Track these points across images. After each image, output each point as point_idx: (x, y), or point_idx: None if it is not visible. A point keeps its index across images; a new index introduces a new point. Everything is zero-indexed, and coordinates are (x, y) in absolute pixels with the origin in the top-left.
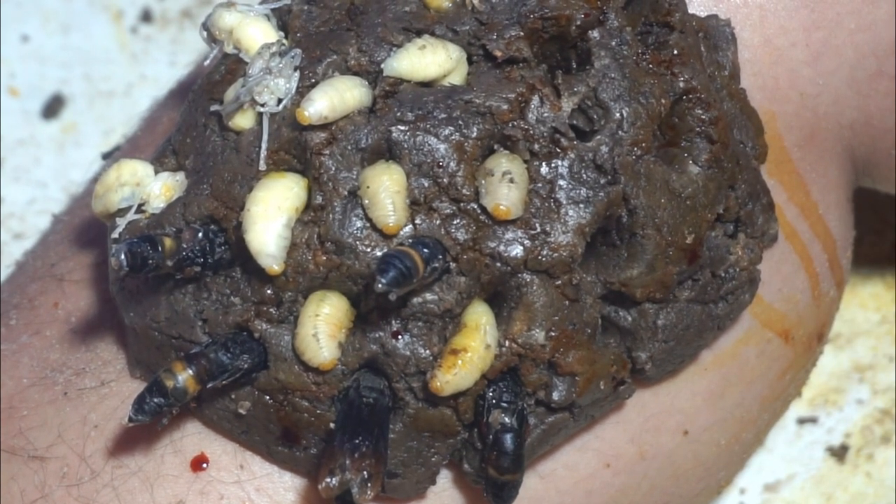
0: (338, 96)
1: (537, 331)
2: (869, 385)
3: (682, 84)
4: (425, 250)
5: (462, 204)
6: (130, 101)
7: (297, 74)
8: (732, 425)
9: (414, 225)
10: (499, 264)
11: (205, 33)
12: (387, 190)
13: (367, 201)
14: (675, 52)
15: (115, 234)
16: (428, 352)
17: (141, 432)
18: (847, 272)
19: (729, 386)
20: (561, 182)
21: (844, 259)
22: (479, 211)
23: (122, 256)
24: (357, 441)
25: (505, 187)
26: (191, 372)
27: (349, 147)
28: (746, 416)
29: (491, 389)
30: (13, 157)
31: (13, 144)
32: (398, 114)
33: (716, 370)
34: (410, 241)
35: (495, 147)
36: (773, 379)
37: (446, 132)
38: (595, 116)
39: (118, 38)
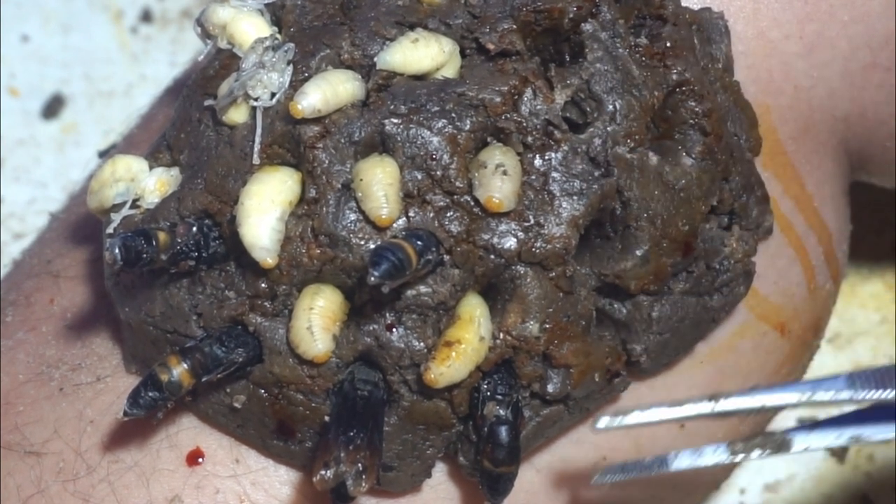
0: (331, 90)
1: (531, 323)
2: None
3: (675, 76)
4: (418, 243)
5: (455, 196)
6: (130, 101)
7: (290, 68)
8: (729, 418)
9: (407, 217)
10: (493, 256)
11: (199, 29)
12: (380, 182)
13: (360, 194)
14: (668, 44)
15: (109, 230)
16: (422, 344)
17: (136, 427)
18: (843, 265)
19: (725, 379)
20: (554, 174)
21: (840, 252)
22: (472, 203)
23: (117, 251)
24: (352, 434)
25: (498, 180)
26: (185, 366)
27: (342, 140)
28: None
29: (485, 382)
30: (13, 157)
31: (13, 144)
32: (391, 107)
33: (712, 363)
34: (403, 233)
35: (489, 140)
36: (770, 372)
37: (439, 125)
38: (588, 109)
39: (118, 38)
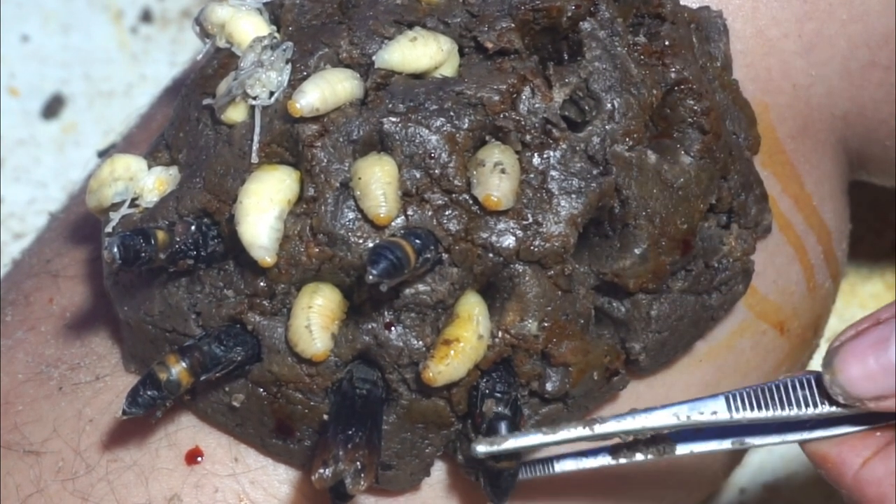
0: (329, 88)
1: (530, 321)
2: None
3: (673, 75)
4: (417, 241)
5: (454, 195)
6: (130, 101)
7: (288, 67)
8: None
9: (406, 216)
10: (491, 255)
11: (197, 28)
12: (378, 181)
13: (358, 193)
14: (667, 42)
15: (108, 229)
16: (421, 343)
17: (135, 426)
18: (843, 264)
19: (724, 377)
20: (553, 173)
21: (840, 251)
22: (471, 202)
23: (115, 249)
24: (350, 432)
25: (496, 178)
26: (184, 364)
27: (341, 139)
28: None
29: (484, 380)
30: (13, 157)
31: (13, 144)
32: (390, 105)
33: (710, 362)
34: (402, 232)
35: (487, 138)
36: (769, 371)
37: (438, 123)
38: (587, 107)
39: (118, 38)
